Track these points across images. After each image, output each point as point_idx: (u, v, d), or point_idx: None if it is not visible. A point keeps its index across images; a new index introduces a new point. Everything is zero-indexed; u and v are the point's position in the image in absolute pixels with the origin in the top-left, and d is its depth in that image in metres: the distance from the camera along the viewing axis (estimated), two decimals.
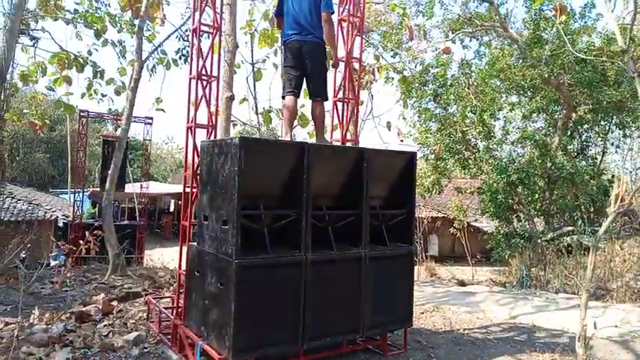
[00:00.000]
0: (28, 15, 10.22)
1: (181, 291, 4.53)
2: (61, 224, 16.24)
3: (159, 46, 10.52)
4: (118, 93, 11.21)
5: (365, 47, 11.47)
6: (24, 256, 9.39)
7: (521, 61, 13.50)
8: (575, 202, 12.70)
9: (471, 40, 15.57)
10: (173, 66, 11.12)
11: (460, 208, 15.66)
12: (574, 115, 13.65)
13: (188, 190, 4.57)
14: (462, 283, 11.24)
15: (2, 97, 7.70)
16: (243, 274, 3.53)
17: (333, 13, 4.61)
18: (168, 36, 10.60)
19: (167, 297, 5.77)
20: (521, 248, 11.83)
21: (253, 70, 9.30)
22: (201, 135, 4.73)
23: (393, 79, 13.84)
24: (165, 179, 38.10)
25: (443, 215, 18.54)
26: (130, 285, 6.67)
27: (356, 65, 5.46)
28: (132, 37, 11.07)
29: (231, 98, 6.61)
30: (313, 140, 6.03)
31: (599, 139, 14.87)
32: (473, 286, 10.26)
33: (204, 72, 4.68)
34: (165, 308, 4.98)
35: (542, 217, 13.65)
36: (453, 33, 14.57)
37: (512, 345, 5.04)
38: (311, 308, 3.83)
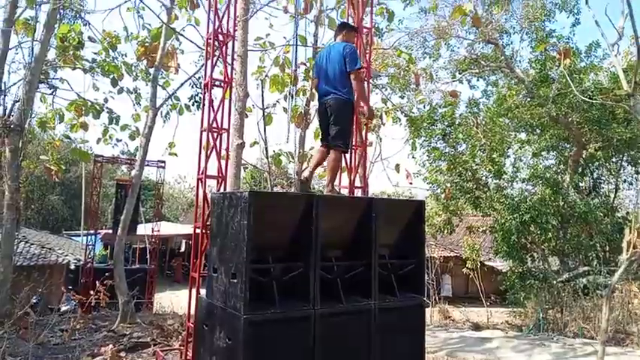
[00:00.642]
0: (47, 65, 10.62)
1: (190, 343, 4.50)
2: (72, 267, 16.30)
3: (172, 94, 10.83)
4: (132, 138, 11.49)
5: (372, 90, 11.71)
6: (35, 301, 9.41)
7: (528, 99, 13.61)
8: (590, 240, 12.48)
9: (478, 80, 15.80)
10: (187, 111, 11.42)
11: (473, 248, 15.44)
12: (584, 152, 13.61)
13: (198, 240, 4.61)
14: (476, 327, 10.98)
15: (20, 146, 7.91)
16: (252, 329, 3.50)
17: (360, 69, 4.74)
18: (181, 84, 10.91)
19: (176, 349, 5.71)
20: (537, 289, 11.58)
21: (264, 114, 9.49)
22: (211, 184, 4.82)
23: (400, 119, 14.05)
24: (177, 219, 38.26)
25: (455, 255, 18.30)
26: (138, 334, 6.63)
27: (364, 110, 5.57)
28: (147, 84, 11.44)
29: (242, 145, 6.72)
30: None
31: (611, 176, 14.75)
32: (488, 331, 10.02)
33: (214, 125, 4.80)
34: None
35: (556, 257, 13.40)
36: (459, 73, 14.82)
37: None
38: None
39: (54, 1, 7.82)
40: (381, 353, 4.14)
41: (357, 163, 5.74)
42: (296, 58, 9.00)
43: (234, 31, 5.62)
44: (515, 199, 12.89)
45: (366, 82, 5.54)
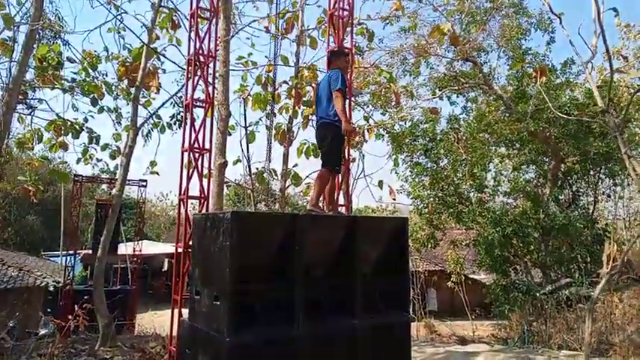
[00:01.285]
0: (26, 85, 10.48)
1: None
2: (51, 288, 15.90)
3: (153, 113, 10.76)
4: (113, 157, 11.34)
5: (354, 107, 11.82)
6: (12, 325, 9.13)
7: (507, 115, 13.88)
8: (571, 252, 12.67)
9: (457, 97, 16.06)
10: (168, 130, 11.35)
11: (457, 261, 15.55)
12: (563, 166, 13.89)
13: (180, 262, 4.56)
14: (462, 341, 10.98)
15: None
16: (236, 352, 3.46)
17: (338, 89, 4.90)
18: (163, 104, 10.86)
19: None
20: (521, 302, 11.66)
21: (247, 132, 9.49)
22: (194, 202, 4.78)
23: (383, 136, 14.18)
24: (158, 237, 37.72)
25: (440, 268, 18.39)
26: (119, 358, 6.47)
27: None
28: (127, 103, 11.36)
29: (224, 165, 6.69)
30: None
31: (590, 188, 15.05)
32: (474, 344, 10.03)
33: (196, 145, 4.78)
34: None
35: (539, 269, 13.56)
36: (439, 90, 15.06)
37: None
38: None
39: (32, 22, 7.74)
40: None
41: (340, 180, 5.76)
42: (275, 77, 9.09)
43: (216, 51, 5.64)
44: (497, 213, 13.06)
45: (347, 100, 5.64)
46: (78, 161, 11.19)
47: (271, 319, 3.82)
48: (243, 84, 9.81)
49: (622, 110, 10.11)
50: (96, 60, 10.50)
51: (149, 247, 24.56)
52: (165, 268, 28.34)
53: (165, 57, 9.45)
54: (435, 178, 14.44)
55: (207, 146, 4.85)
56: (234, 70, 8.77)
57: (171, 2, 9.61)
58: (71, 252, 14.46)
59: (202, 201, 4.73)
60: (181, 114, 11.31)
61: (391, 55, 14.27)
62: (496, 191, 15.31)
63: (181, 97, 10.95)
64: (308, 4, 9.86)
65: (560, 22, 6.80)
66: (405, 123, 14.72)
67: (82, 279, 14.98)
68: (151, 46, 9.23)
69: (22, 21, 8.47)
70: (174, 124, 11.19)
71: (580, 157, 13.27)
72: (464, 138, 14.91)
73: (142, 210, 15.95)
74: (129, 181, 12.67)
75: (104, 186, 28.75)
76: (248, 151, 9.66)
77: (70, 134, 10.24)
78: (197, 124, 5.00)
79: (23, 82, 9.62)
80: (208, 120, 5.21)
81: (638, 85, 12.16)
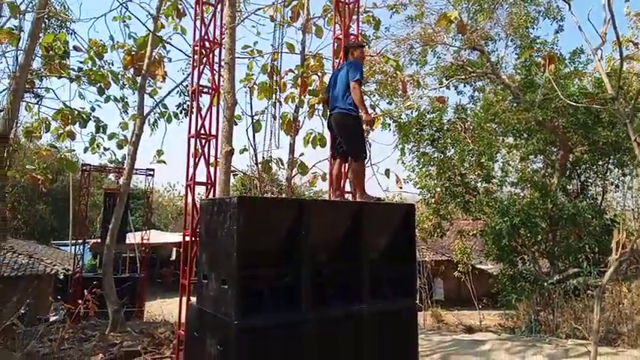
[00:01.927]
0: (33, 74, 10.52)
1: (181, 351, 4.46)
2: (61, 277, 16.09)
3: (160, 102, 10.78)
4: (120, 146, 11.40)
5: None
6: (23, 312, 9.25)
7: (515, 105, 13.76)
8: (579, 242, 12.60)
9: (464, 86, 15.94)
10: (175, 119, 11.37)
11: (464, 252, 15.53)
12: (571, 156, 13.77)
13: (188, 247, 4.58)
14: (469, 330, 11.03)
15: (5, 156, 7.81)
16: (243, 336, 3.48)
17: (358, 80, 5.00)
18: (169, 93, 10.89)
19: (167, 357, 5.65)
20: (528, 292, 11.65)
21: (253, 121, 9.48)
22: (201, 190, 4.80)
23: (390, 124, 14.12)
24: (166, 227, 37.99)
25: (447, 258, 18.38)
26: (129, 343, 6.55)
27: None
28: (134, 93, 11.39)
29: (231, 152, 6.70)
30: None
31: (598, 178, 14.92)
32: (481, 333, 10.05)
33: (202, 131, 4.79)
34: None
35: (546, 259, 13.50)
36: (446, 79, 14.94)
37: None
38: None
39: (38, 11, 7.76)
40: (373, 357, 4.12)
41: (346, 169, 5.75)
42: (280, 66, 9.06)
43: (221, 38, 5.62)
44: (505, 203, 13.00)
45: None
46: (85, 150, 11.24)
47: (278, 303, 3.84)
48: (249, 73, 9.80)
49: (632, 99, 10.00)
50: (102, 49, 10.51)
51: (157, 237, 24.76)
52: (174, 257, 28.58)
53: (171, 44, 9.43)
54: (442, 168, 14.39)
55: (213, 132, 4.86)
56: (239, 58, 8.75)
57: None
58: (80, 241, 14.60)
59: (209, 187, 4.74)
60: (187, 103, 11.34)
61: (398, 44, 14.17)
62: (504, 181, 15.23)
63: (187, 85, 10.96)
64: None
65: (570, 8, 6.70)
66: (412, 112, 14.64)
67: (92, 267, 15.14)
68: (157, 34, 9.22)
69: (28, 9, 8.47)
70: (181, 113, 11.21)
71: (588, 146, 13.16)
72: (471, 128, 14.82)
73: (149, 199, 16.03)
74: (136, 170, 12.73)
75: (112, 176, 29.03)
76: (254, 140, 9.69)
77: (78, 123, 10.30)
78: (203, 112, 5.00)
79: (30, 71, 9.66)
80: (214, 108, 5.20)
81: None
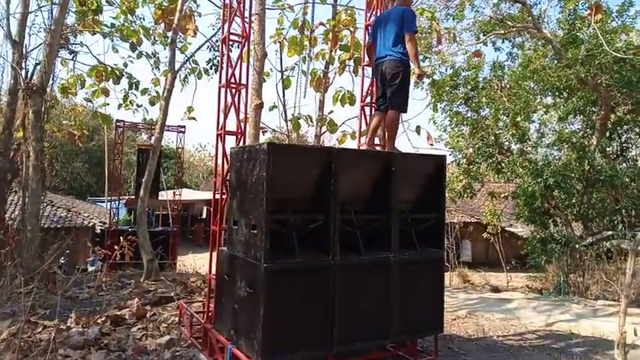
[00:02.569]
0: (67, 30, 10.64)
1: (212, 295, 4.60)
2: (98, 231, 16.77)
3: (191, 56, 10.77)
4: (152, 103, 11.58)
5: None
6: (62, 262, 9.72)
7: (555, 62, 13.14)
8: (616, 205, 12.23)
9: (503, 42, 15.30)
10: (205, 75, 11.39)
11: (494, 213, 15.32)
12: (613, 115, 13.19)
13: (218, 195, 4.65)
14: (496, 290, 10.99)
15: (43, 109, 8.02)
16: (272, 278, 3.56)
17: (415, 32, 4.94)
18: (199, 47, 10.84)
19: (198, 301, 5.86)
20: (558, 254, 11.46)
21: (282, 77, 9.39)
22: (231, 142, 4.82)
23: (423, 82, 13.76)
24: (197, 186, 38.78)
25: (476, 220, 18.20)
26: (162, 290, 6.81)
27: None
28: (165, 48, 11.40)
29: (260, 106, 6.67)
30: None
31: None
32: (508, 293, 10.01)
33: (233, 80, 4.76)
34: (197, 313, 5.05)
35: (580, 222, 13.19)
36: (484, 35, 14.36)
37: (549, 353, 4.88)
38: (340, 313, 3.81)
39: None
40: (400, 304, 4.17)
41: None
42: (313, 18, 8.84)
43: None
44: (539, 164, 12.64)
45: None
46: (119, 107, 11.47)
47: (307, 248, 3.88)
48: (279, 28, 9.64)
49: None
50: (133, 4, 10.51)
51: (188, 195, 25.37)
52: (205, 215, 29.30)
53: None
54: (475, 127, 14.03)
55: (243, 82, 4.82)
56: (270, 9, 8.58)
57: None
58: (115, 198, 15.08)
59: (239, 136, 4.75)
60: (217, 58, 11.29)
61: None
62: (539, 143, 14.77)
63: (217, 41, 10.89)
64: None
65: None
66: (446, 70, 14.20)
67: (127, 222, 15.70)
68: None
69: None
70: (211, 68, 11.20)
71: (632, 106, 12.54)
72: (508, 86, 14.30)
73: (180, 156, 16.31)
74: (168, 126, 12.90)
75: (145, 136, 29.59)
76: (284, 97, 9.62)
77: (111, 80, 10.45)
78: (233, 62, 4.95)
79: (65, 27, 9.76)
80: (244, 59, 5.15)
81: None
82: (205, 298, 5.18)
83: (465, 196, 14.24)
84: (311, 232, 3.93)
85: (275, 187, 3.66)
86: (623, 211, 12.12)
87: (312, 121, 9.84)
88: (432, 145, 9.10)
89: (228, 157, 4.53)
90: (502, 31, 14.05)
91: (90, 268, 11.93)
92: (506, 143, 14.43)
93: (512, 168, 13.33)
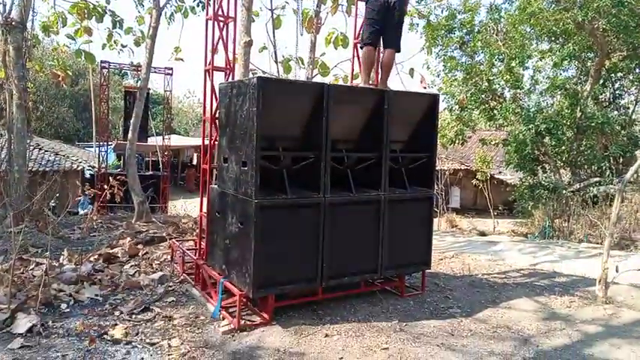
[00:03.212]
0: None
1: (203, 233, 4.63)
2: (87, 175, 16.64)
3: None
4: (137, 44, 11.19)
5: None
6: (53, 204, 9.69)
7: (553, 4, 12.79)
8: (605, 152, 12.32)
9: None
10: (192, 14, 10.96)
11: (484, 160, 15.39)
12: (607, 62, 13.02)
13: (207, 133, 4.58)
14: (482, 234, 11.21)
15: (24, 47, 7.70)
16: (263, 213, 3.57)
17: None
18: None
19: (190, 240, 5.92)
20: (545, 199, 11.65)
21: (272, 16, 9.05)
22: (220, 79, 4.68)
23: (417, 25, 13.37)
24: (187, 133, 38.36)
25: (466, 167, 18.32)
26: (154, 231, 6.86)
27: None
28: None
29: (250, 43, 6.46)
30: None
31: (634, 87, 14.21)
32: (494, 236, 10.24)
33: (220, 12, 4.56)
34: (189, 250, 5.11)
35: (568, 169, 13.33)
36: None
37: (531, 289, 5.04)
38: (329, 248, 3.87)
39: None
40: (389, 241, 4.23)
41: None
42: None
43: None
44: (532, 110, 12.58)
45: None
46: (103, 47, 11.08)
47: (298, 186, 3.88)
48: None
49: None
50: None
51: (178, 141, 25.12)
52: (195, 161, 29.18)
53: None
54: (469, 73, 13.80)
55: (232, 14, 4.63)
56: None
57: None
58: (103, 142, 14.85)
59: (228, 72, 4.61)
60: None
61: None
62: (532, 90, 14.63)
63: None
64: None
65: None
66: (442, 12, 13.78)
67: (116, 167, 15.55)
68: None
69: None
70: (198, 5, 10.75)
71: (627, 52, 12.36)
72: (504, 30, 13.97)
73: (169, 100, 15.97)
74: (154, 68, 12.55)
75: (131, 81, 28.85)
76: (274, 37, 9.31)
77: (94, 17, 10.02)
78: None
79: None
80: None
81: None
82: (197, 237, 5.22)
83: (457, 142, 14.22)
84: (302, 170, 3.91)
85: (265, 123, 3.59)
86: (612, 158, 12.22)
87: (303, 64, 9.60)
88: (425, 88, 8.98)
89: (217, 93, 4.42)
90: None
91: (81, 212, 11.95)
92: (500, 89, 14.28)
93: (504, 114, 13.26)
